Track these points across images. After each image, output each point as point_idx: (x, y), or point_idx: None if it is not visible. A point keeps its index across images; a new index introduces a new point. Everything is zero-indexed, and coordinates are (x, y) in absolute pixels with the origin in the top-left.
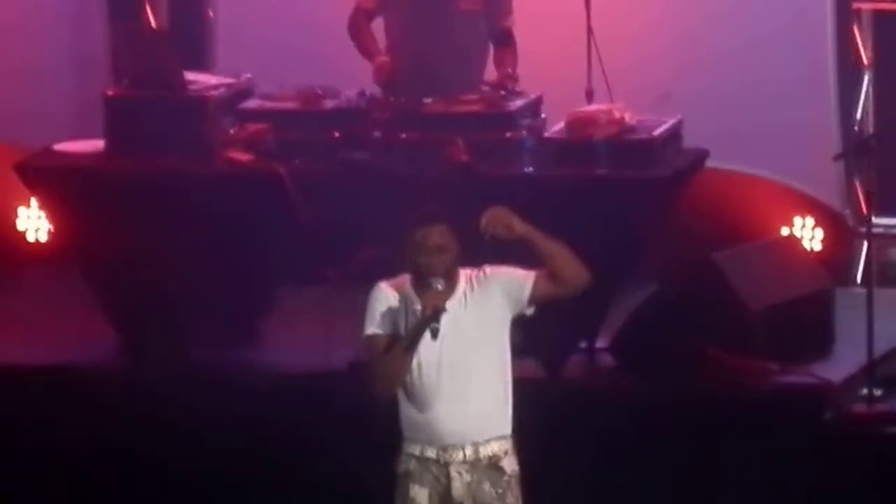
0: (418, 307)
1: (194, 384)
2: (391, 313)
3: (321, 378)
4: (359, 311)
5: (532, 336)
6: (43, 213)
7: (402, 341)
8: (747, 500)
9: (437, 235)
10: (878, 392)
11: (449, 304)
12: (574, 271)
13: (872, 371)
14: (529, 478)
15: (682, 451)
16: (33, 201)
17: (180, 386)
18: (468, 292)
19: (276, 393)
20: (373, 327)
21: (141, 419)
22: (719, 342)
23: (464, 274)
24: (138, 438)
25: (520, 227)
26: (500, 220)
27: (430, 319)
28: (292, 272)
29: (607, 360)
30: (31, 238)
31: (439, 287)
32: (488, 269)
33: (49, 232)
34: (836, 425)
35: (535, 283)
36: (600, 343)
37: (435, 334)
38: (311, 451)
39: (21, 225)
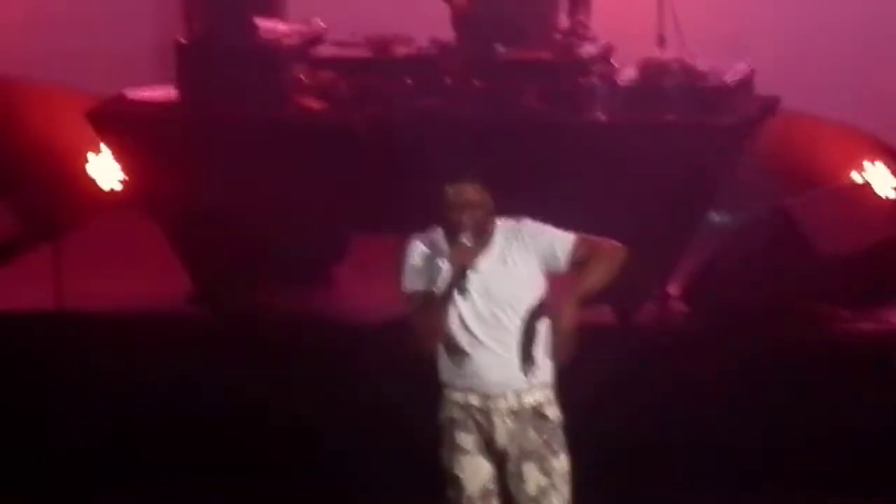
0: (446, 262)
1: (267, 330)
2: (425, 268)
3: (392, 328)
4: None
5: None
6: (115, 161)
7: (433, 300)
8: (818, 444)
9: (469, 192)
10: None
11: (485, 258)
12: (616, 272)
13: None
14: (601, 422)
15: (753, 398)
16: (103, 147)
17: (252, 332)
18: (505, 246)
19: (346, 341)
20: (407, 284)
21: (214, 366)
22: (792, 289)
23: (501, 226)
24: (212, 384)
25: (570, 314)
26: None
27: (457, 277)
28: (365, 220)
29: (680, 307)
30: (103, 185)
31: (467, 243)
32: (527, 224)
33: (121, 179)
34: None
35: (573, 252)
36: (672, 290)
37: (463, 293)
38: (378, 401)
39: (92, 171)
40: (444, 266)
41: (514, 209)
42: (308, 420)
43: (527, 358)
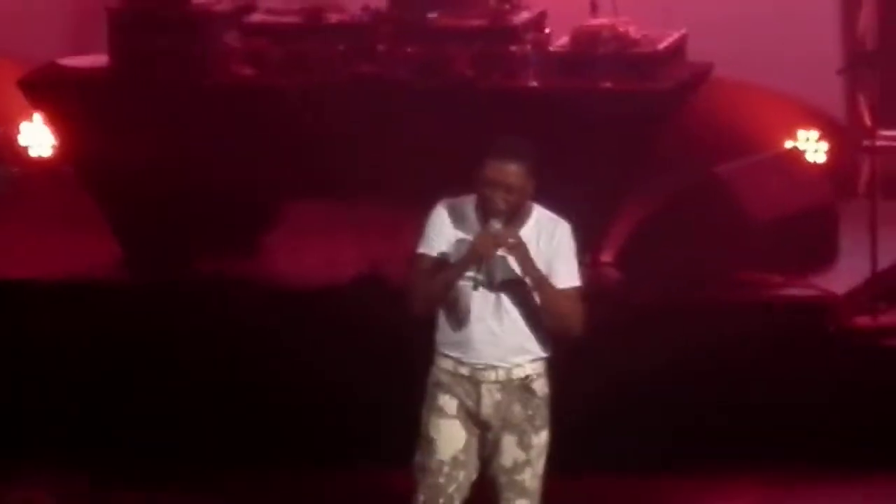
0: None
1: (196, 297)
2: (447, 234)
3: (323, 293)
4: (362, 228)
5: None
6: (46, 128)
7: (446, 273)
8: (750, 411)
9: (510, 174)
10: (881, 304)
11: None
12: (554, 322)
13: (876, 283)
14: None
15: (684, 363)
16: (35, 116)
17: (182, 299)
18: (535, 233)
19: (276, 307)
20: (425, 246)
21: (143, 332)
22: (723, 255)
23: (540, 213)
24: (140, 351)
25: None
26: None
27: (474, 262)
28: (296, 186)
29: (611, 273)
30: (33, 153)
31: (496, 227)
32: (564, 230)
33: (52, 146)
34: (840, 337)
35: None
36: (604, 256)
37: (476, 286)
38: (310, 366)
39: (23, 140)
40: (465, 240)
41: (444, 175)
42: (237, 386)
43: (521, 333)
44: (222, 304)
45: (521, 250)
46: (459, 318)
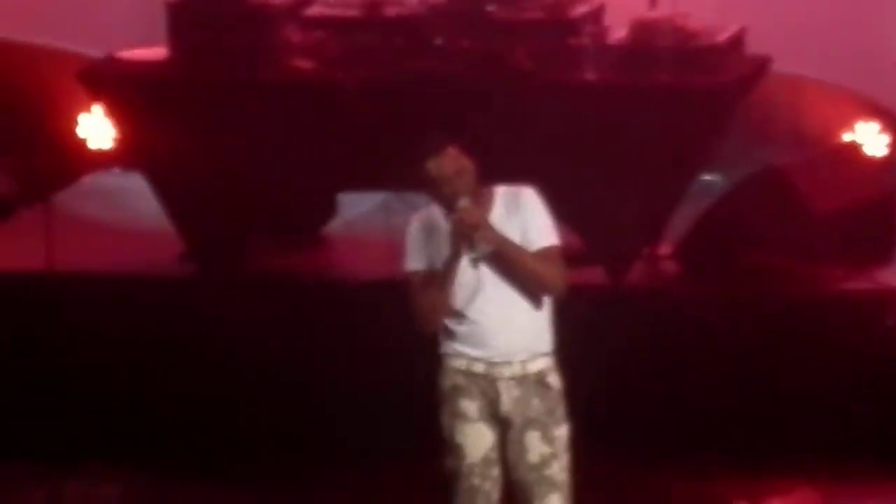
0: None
1: (257, 290)
2: (428, 246)
3: (381, 286)
4: None
5: (596, 243)
6: (106, 121)
7: (439, 275)
8: (809, 403)
9: (450, 161)
10: None
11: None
12: (533, 286)
13: None
14: (592, 384)
15: (745, 356)
16: (95, 108)
17: (244, 292)
18: (503, 212)
19: (336, 300)
20: (411, 263)
21: (206, 325)
22: (784, 249)
23: (499, 192)
24: (203, 344)
25: (489, 237)
26: (469, 227)
27: (464, 238)
28: (355, 179)
29: (672, 266)
30: (93, 145)
31: (465, 203)
32: (527, 194)
33: (113, 139)
34: None
35: (536, 251)
36: (664, 250)
37: (477, 262)
38: (368, 360)
39: (82, 132)
40: (444, 242)
41: (503, 171)
42: (302, 380)
43: (530, 325)
44: (284, 297)
45: (485, 228)
46: (466, 317)
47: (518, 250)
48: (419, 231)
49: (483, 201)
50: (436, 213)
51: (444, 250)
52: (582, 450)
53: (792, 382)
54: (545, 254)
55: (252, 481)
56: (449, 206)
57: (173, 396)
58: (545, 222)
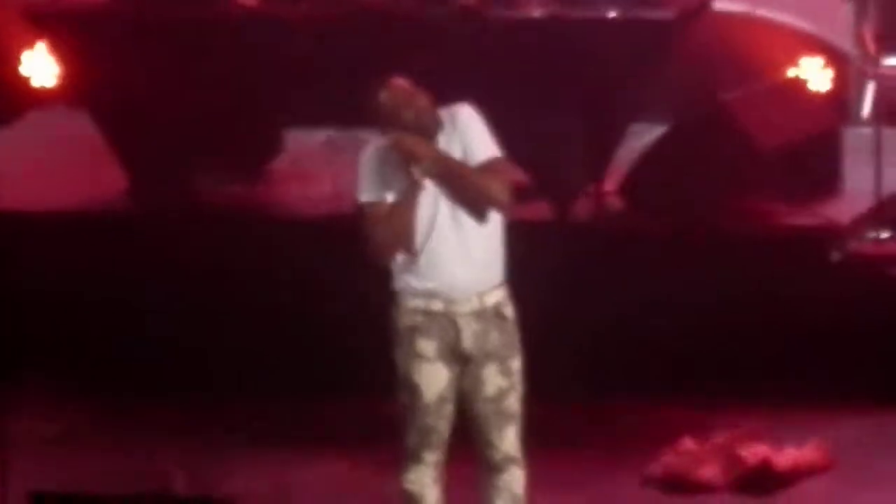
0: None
1: (202, 224)
2: (382, 175)
3: (328, 220)
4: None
5: (541, 178)
6: (50, 58)
7: (399, 204)
8: (754, 338)
9: (400, 93)
10: (885, 233)
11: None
12: (476, 198)
13: (880, 212)
14: (536, 319)
15: (690, 290)
16: (38, 45)
17: (189, 226)
18: (445, 136)
19: (281, 234)
20: (365, 193)
21: (150, 259)
22: (729, 184)
23: (443, 115)
24: (148, 277)
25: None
26: (406, 149)
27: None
28: (300, 116)
29: (616, 202)
30: (36, 83)
31: (410, 139)
32: (462, 112)
33: (56, 76)
34: (843, 265)
35: (477, 165)
36: (609, 185)
37: (418, 179)
38: (315, 294)
39: (25, 69)
40: (399, 171)
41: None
42: (246, 316)
43: (485, 255)
44: (228, 231)
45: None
46: (422, 253)
47: (460, 165)
48: (373, 160)
49: (432, 134)
50: (385, 144)
51: (399, 180)
52: (528, 382)
53: (737, 316)
54: (487, 166)
55: (199, 413)
56: (398, 133)
57: (118, 330)
58: (484, 136)
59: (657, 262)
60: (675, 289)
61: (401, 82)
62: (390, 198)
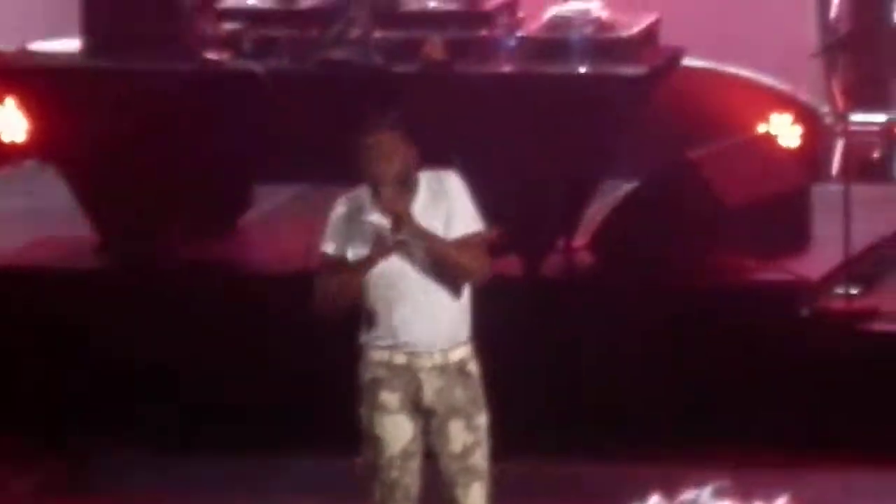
0: (373, 218)
1: (171, 281)
2: (349, 230)
3: (297, 278)
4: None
5: (511, 234)
6: (19, 113)
7: (359, 263)
8: (724, 395)
9: (384, 142)
10: (855, 289)
11: (413, 210)
12: (454, 274)
13: (849, 267)
14: (506, 374)
15: (658, 346)
16: (7, 101)
17: (157, 283)
18: (428, 197)
19: (251, 291)
20: (326, 245)
21: (119, 316)
22: (697, 240)
23: (423, 177)
24: (116, 335)
25: (408, 225)
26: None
27: (394, 226)
28: (270, 171)
29: (586, 257)
30: (6, 138)
31: (389, 193)
32: (451, 180)
33: (26, 131)
34: (813, 322)
35: (458, 238)
36: (579, 241)
37: (399, 247)
38: (283, 350)
39: None
40: (369, 224)
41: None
42: (214, 374)
43: (451, 313)
44: (196, 287)
45: (408, 220)
46: (388, 306)
47: (441, 243)
48: (342, 214)
49: (409, 190)
50: (363, 196)
51: (367, 234)
52: (496, 439)
53: (706, 371)
54: (468, 241)
55: (168, 467)
56: (375, 186)
57: (82, 386)
58: (468, 208)
59: (627, 318)
60: (645, 344)
61: (394, 133)
62: (350, 254)
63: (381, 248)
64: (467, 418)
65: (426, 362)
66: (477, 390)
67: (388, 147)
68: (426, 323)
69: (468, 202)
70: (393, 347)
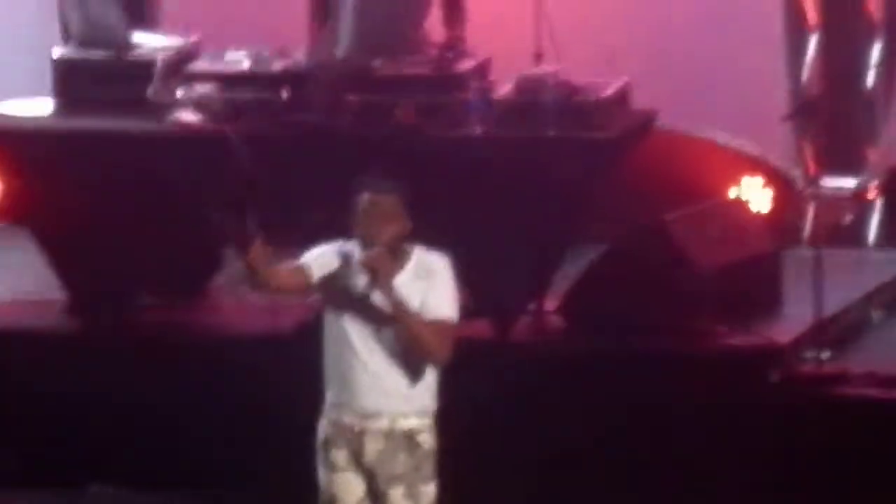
0: (354, 262)
1: (142, 345)
2: (327, 261)
3: (266, 342)
4: None
5: (482, 298)
6: None
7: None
8: (694, 459)
9: (381, 203)
10: (825, 354)
11: (397, 276)
12: (417, 351)
13: (820, 333)
14: (478, 438)
15: (629, 411)
16: None
17: (128, 344)
18: (412, 272)
19: (220, 355)
20: (307, 256)
21: (89, 379)
22: (668, 304)
23: (416, 253)
24: (86, 399)
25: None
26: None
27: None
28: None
29: (556, 321)
30: None
31: (379, 251)
32: (442, 267)
33: None
34: (784, 386)
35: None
36: (549, 305)
37: (366, 294)
38: (253, 414)
39: None
40: (355, 276)
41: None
42: (184, 439)
43: (407, 386)
44: (166, 354)
45: (386, 280)
46: (346, 367)
47: (411, 315)
48: (332, 249)
49: (399, 256)
50: (354, 250)
51: (341, 279)
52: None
53: (675, 438)
54: (438, 325)
55: None
56: (364, 244)
57: (51, 451)
58: (448, 295)
59: (597, 382)
60: (614, 410)
61: (394, 199)
62: (316, 270)
63: (339, 283)
64: (408, 486)
65: (372, 425)
66: (424, 461)
67: (387, 209)
68: (379, 389)
69: (450, 289)
70: (344, 406)
